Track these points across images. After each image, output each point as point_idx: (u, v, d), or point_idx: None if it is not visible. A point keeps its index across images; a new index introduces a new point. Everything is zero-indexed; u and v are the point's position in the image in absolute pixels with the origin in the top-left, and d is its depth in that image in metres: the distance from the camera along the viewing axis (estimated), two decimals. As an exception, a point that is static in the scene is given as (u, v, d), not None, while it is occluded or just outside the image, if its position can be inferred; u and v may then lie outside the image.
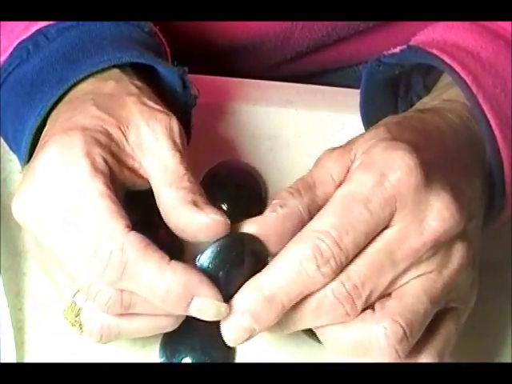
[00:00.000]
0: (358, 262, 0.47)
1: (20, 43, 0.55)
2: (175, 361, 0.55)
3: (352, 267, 0.47)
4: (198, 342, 0.54)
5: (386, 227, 0.48)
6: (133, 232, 0.48)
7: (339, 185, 0.49)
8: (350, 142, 0.51)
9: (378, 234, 0.48)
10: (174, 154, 0.50)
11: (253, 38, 0.67)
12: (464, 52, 0.54)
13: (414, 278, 0.48)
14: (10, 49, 0.55)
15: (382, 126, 0.51)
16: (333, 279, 0.47)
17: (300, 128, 0.62)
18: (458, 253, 0.49)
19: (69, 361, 0.55)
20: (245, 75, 0.66)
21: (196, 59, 0.61)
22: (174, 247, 0.57)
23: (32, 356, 0.55)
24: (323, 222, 0.47)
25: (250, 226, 0.49)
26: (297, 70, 0.73)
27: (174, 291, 0.47)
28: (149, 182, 0.51)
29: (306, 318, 0.48)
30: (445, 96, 0.55)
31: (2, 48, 0.56)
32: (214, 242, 0.49)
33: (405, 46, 0.55)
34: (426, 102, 0.56)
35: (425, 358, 0.50)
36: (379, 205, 0.47)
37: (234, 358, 0.56)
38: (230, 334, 0.48)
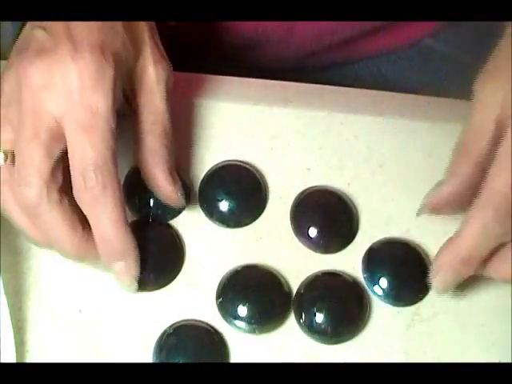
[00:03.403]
0: None
1: None
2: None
3: None
4: (191, 348, 0.55)
5: None
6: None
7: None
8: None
9: None
10: (167, 109, 0.54)
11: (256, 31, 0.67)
12: None
13: None
14: None
15: None
16: None
17: (300, 127, 0.62)
18: None
19: (69, 361, 0.55)
20: (250, 68, 0.66)
21: (195, 49, 0.61)
22: (174, 247, 0.58)
23: (32, 356, 0.55)
24: (496, 181, 0.51)
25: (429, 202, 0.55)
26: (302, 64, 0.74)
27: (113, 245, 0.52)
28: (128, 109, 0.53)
29: None
30: None
31: None
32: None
33: None
34: None
35: None
36: None
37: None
38: (439, 286, 0.54)
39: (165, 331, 0.55)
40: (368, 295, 0.57)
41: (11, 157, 0.51)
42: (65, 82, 0.50)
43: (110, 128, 0.50)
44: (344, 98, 0.64)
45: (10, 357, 0.54)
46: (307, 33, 0.70)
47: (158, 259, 0.57)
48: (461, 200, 0.54)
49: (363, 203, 0.60)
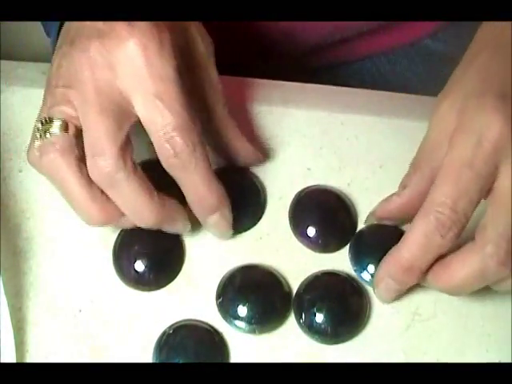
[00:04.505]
0: (495, 220, 0.51)
1: None
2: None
3: (494, 228, 0.51)
4: (191, 348, 0.55)
5: (496, 178, 0.51)
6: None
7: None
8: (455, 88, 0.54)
9: (490, 187, 0.51)
10: (219, 79, 0.56)
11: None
12: None
13: None
14: None
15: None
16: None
17: (300, 127, 0.62)
18: None
19: (68, 361, 0.55)
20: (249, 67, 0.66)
21: None
22: (174, 247, 0.58)
23: (32, 356, 0.55)
24: (439, 192, 0.51)
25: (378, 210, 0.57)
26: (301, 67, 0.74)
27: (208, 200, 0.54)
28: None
29: (475, 282, 0.52)
30: None
31: None
32: None
33: None
34: None
35: None
36: (483, 163, 0.51)
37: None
38: (382, 294, 0.56)
39: (165, 331, 0.55)
40: (368, 295, 0.57)
41: (73, 130, 0.52)
42: (127, 56, 0.50)
43: (181, 89, 0.51)
44: (344, 98, 0.64)
45: (10, 357, 0.54)
46: (307, 33, 0.70)
47: (158, 259, 0.57)
48: (410, 212, 0.54)
49: (363, 203, 0.60)
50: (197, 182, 0.52)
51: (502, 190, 0.51)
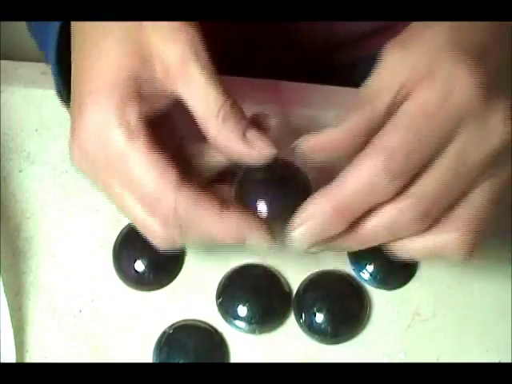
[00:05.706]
0: (428, 181, 0.48)
1: None
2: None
3: (422, 188, 0.48)
4: (191, 348, 0.55)
5: (449, 141, 0.48)
6: (184, 186, 0.48)
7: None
8: (414, 42, 0.50)
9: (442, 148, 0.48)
10: (208, 80, 0.50)
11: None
12: None
13: (477, 188, 0.48)
14: None
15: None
16: (401, 192, 0.48)
17: (300, 127, 0.62)
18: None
19: (68, 361, 0.55)
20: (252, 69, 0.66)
21: None
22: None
23: (32, 356, 0.55)
24: (394, 135, 0.47)
25: (310, 140, 0.49)
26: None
27: (227, 239, 0.49)
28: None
29: (381, 234, 0.49)
30: None
31: None
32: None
33: None
34: None
35: None
36: (445, 121, 0.47)
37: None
38: (298, 238, 0.49)
39: (165, 331, 0.55)
40: (368, 295, 0.57)
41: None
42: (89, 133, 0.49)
43: (144, 155, 0.49)
44: (344, 97, 0.64)
45: (10, 357, 0.54)
46: (309, 35, 0.70)
47: (158, 259, 0.57)
48: (345, 150, 0.49)
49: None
50: (202, 233, 0.50)
51: (452, 152, 0.48)
